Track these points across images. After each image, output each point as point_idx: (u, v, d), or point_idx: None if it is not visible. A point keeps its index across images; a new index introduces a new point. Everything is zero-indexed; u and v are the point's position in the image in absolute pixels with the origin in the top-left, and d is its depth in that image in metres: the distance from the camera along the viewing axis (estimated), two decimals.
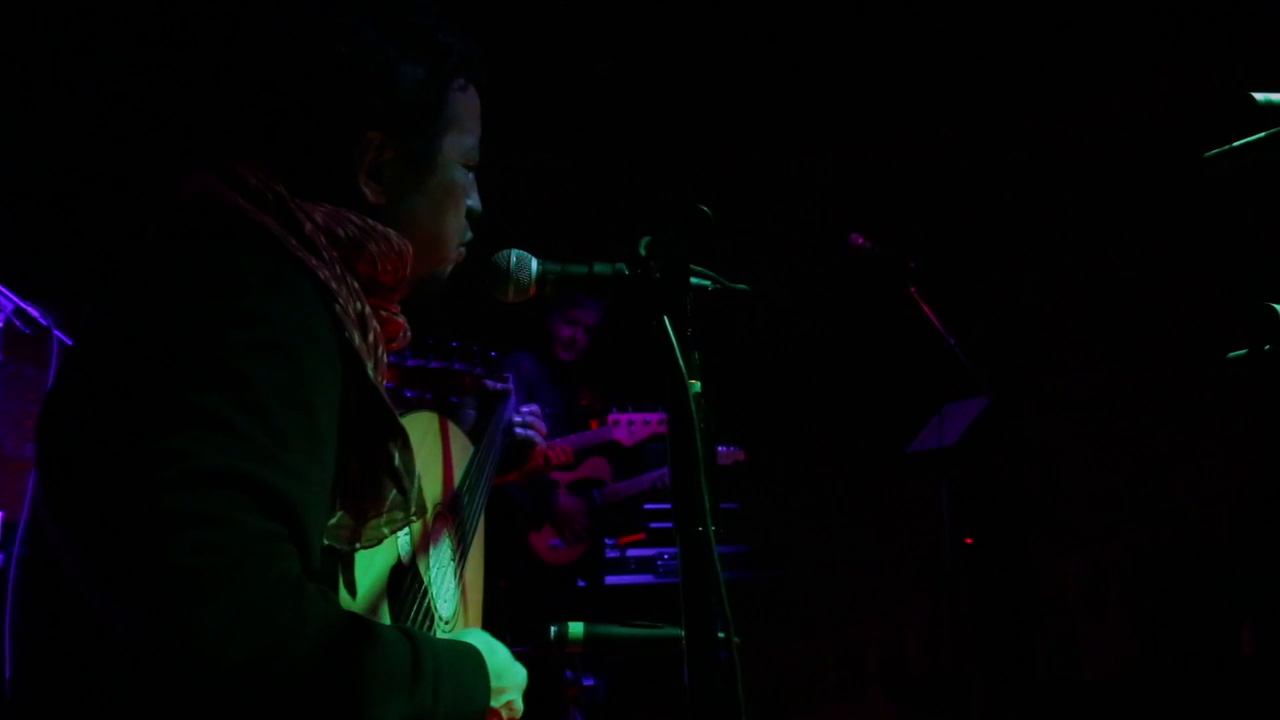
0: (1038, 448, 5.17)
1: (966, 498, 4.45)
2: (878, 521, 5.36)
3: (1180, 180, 3.90)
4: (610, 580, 4.49)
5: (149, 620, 0.98)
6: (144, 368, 1.09)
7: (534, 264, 1.34)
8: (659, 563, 4.52)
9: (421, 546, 1.50)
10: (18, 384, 2.98)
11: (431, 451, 1.61)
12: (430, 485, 1.57)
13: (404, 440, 1.23)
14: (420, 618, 1.45)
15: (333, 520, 1.18)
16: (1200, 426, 4.62)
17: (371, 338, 1.25)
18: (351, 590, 1.23)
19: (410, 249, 1.34)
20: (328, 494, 1.15)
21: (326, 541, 1.17)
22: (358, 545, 1.21)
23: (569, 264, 1.35)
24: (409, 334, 1.44)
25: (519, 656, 1.41)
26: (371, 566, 1.29)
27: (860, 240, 4.18)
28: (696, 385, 1.22)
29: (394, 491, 1.22)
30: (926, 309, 4.11)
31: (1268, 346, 1.22)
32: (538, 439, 2.12)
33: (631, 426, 4.31)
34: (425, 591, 1.47)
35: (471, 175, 1.47)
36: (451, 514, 1.64)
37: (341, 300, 1.21)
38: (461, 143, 1.41)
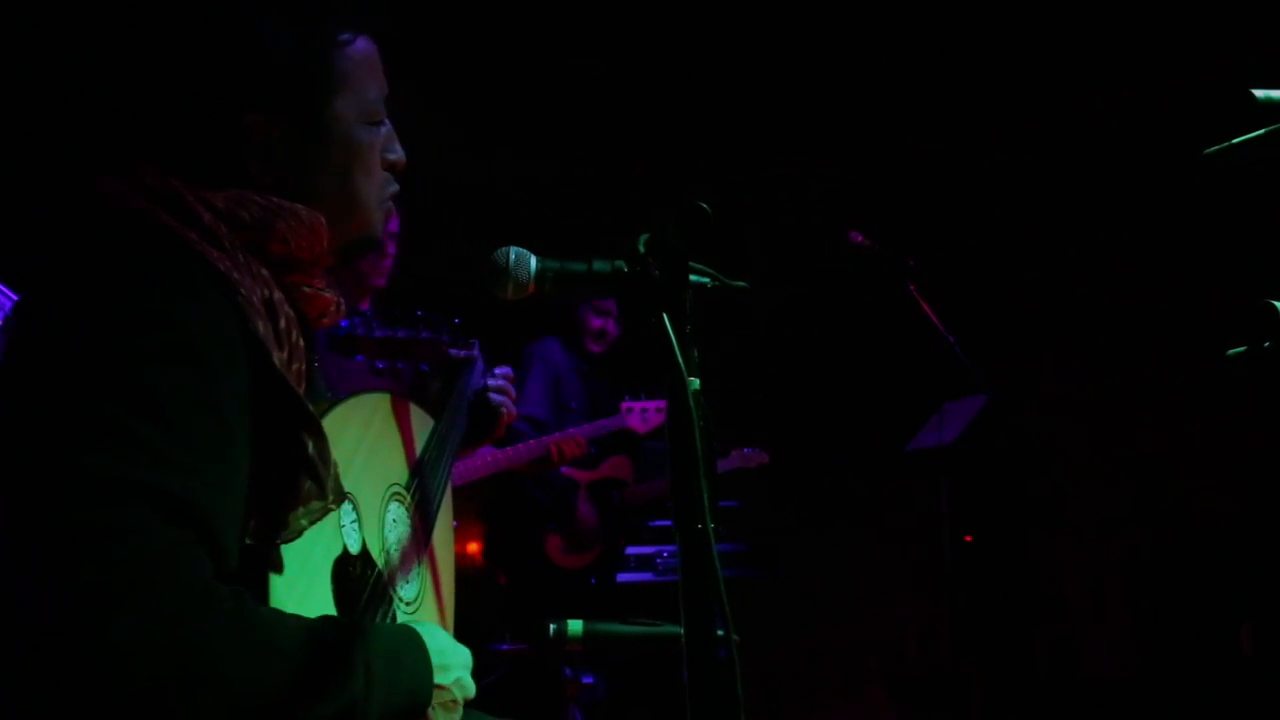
0: (1037, 446, 5.17)
1: (966, 496, 4.45)
2: (877, 520, 5.35)
3: (1180, 178, 3.90)
4: (616, 578, 4.49)
5: (57, 636, 0.98)
6: (46, 381, 1.09)
7: (533, 261, 1.34)
8: (658, 560, 4.52)
9: (376, 530, 1.48)
10: None
11: (382, 431, 1.58)
12: (382, 466, 1.55)
13: (315, 429, 1.21)
14: (375, 604, 1.43)
15: (251, 517, 1.17)
16: (1200, 425, 4.62)
17: (283, 324, 1.24)
18: (284, 585, 1.22)
19: (322, 220, 1.32)
20: (241, 492, 1.14)
21: (249, 541, 1.16)
22: (278, 540, 1.20)
23: (568, 261, 1.35)
24: (343, 307, 1.42)
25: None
26: (309, 559, 1.28)
27: (860, 238, 4.18)
28: (696, 382, 1.22)
29: (309, 482, 1.20)
30: (926, 307, 4.11)
31: (1268, 344, 1.22)
32: (508, 404, 2.09)
33: (645, 414, 4.18)
34: (380, 575, 1.45)
35: (383, 128, 1.42)
36: (411, 493, 1.62)
37: (244, 291, 1.19)
38: (358, 101, 1.36)
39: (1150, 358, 4.79)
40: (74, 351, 1.10)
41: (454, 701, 1.32)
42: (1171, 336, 4.62)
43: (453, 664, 1.33)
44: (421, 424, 1.74)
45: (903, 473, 4.70)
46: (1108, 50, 4.71)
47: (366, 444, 1.51)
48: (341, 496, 1.25)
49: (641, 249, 1.29)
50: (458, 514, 1.92)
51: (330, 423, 1.35)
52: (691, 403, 1.21)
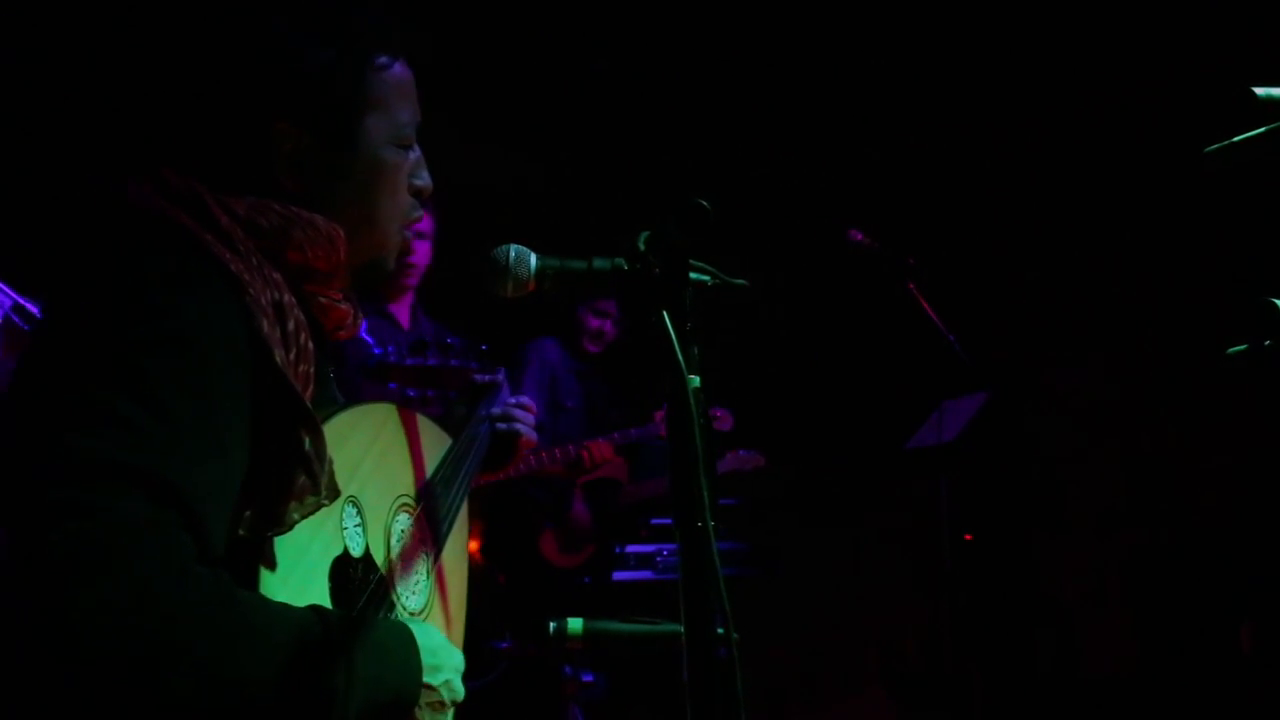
0: (1037, 444, 5.17)
1: (966, 494, 4.45)
2: (877, 518, 5.35)
3: (1181, 176, 3.89)
4: (612, 576, 4.48)
5: (29, 606, 1.01)
6: (53, 369, 1.15)
7: (533, 259, 1.34)
8: (658, 559, 4.52)
9: (381, 537, 1.48)
10: None
11: (392, 442, 1.59)
12: (391, 475, 1.56)
13: (313, 426, 1.23)
14: (374, 606, 1.44)
15: (246, 508, 1.20)
16: (1200, 423, 4.62)
17: (292, 326, 1.27)
18: (278, 579, 1.23)
19: (340, 233, 1.36)
20: (233, 482, 1.17)
21: (242, 532, 1.19)
22: (270, 532, 1.21)
23: (568, 259, 1.35)
24: (360, 319, 1.46)
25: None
26: (305, 555, 1.29)
27: (860, 236, 4.17)
28: (696, 380, 1.22)
29: (304, 476, 1.22)
30: (925, 305, 4.11)
31: (1268, 342, 1.22)
32: (524, 431, 2.08)
33: None
34: (382, 580, 1.45)
35: (412, 154, 1.46)
36: (421, 506, 1.62)
37: (253, 291, 1.22)
38: (389, 122, 1.40)
39: (1151, 357, 4.79)
40: (79, 339, 1.15)
41: (442, 703, 1.32)
42: (1172, 336, 4.62)
43: (444, 665, 1.33)
44: (436, 440, 1.76)
45: (902, 471, 4.70)
46: (1108, 48, 4.71)
47: (375, 451, 1.52)
48: (335, 493, 1.26)
49: (642, 246, 1.29)
50: None
51: (338, 425, 1.37)
52: (692, 401, 1.21)
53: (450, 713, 1.34)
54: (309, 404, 1.25)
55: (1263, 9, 4.03)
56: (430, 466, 1.69)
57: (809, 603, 5.24)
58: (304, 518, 1.23)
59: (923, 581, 4.81)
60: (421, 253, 3.72)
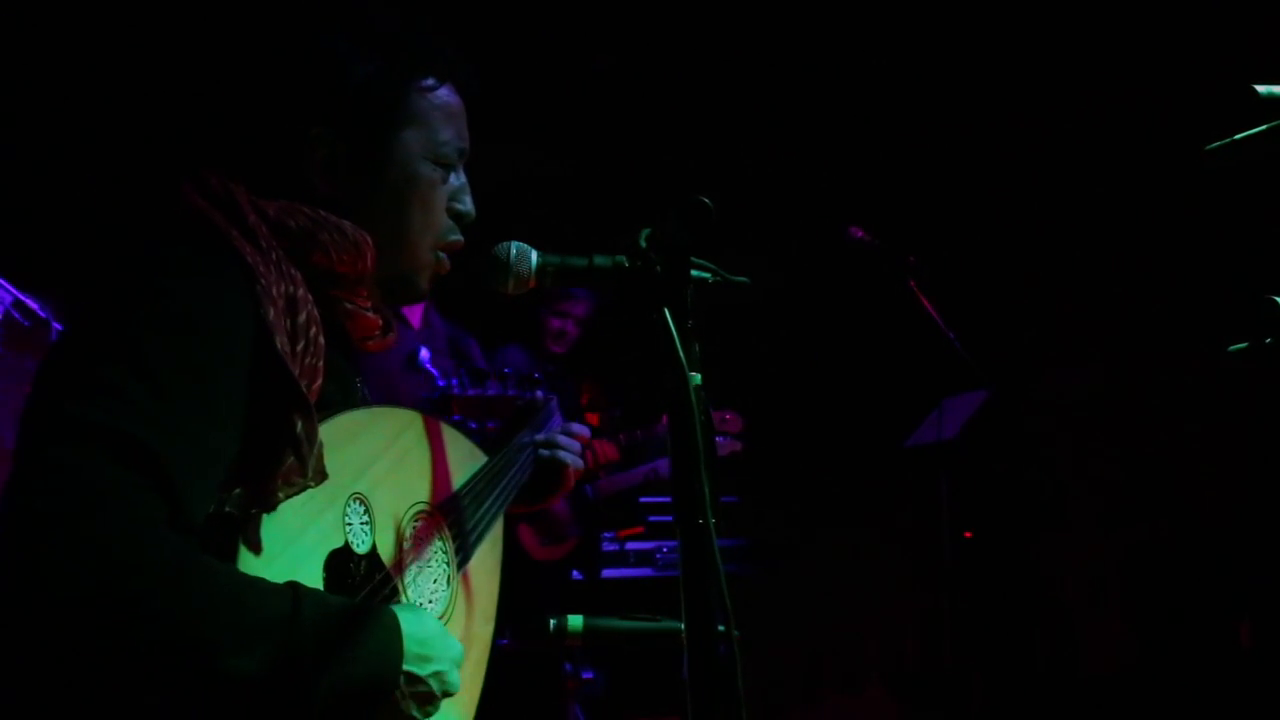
0: (1037, 442, 5.17)
1: (966, 492, 4.45)
2: (877, 515, 5.35)
3: (1183, 174, 3.89)
4: (609, 573, 4.48)
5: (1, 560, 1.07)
6: (69, 344, 1.24)
7: (534, 256, 1.34)
8: (658, 556, 4.52)
9: (391, 538, 1.47)
10: (17, 376, 2.97)
11: (410, 448, 1.58)
12: (408, 480, 1.54)
13: (306, 410, 1.26)
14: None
15: (236, 486, 1.24)
16: (1200, 421, 4.61)
17: (303, 318, 1.30)
18: (262, 561, 1.24)
19: (369, 240, 1.39)
20: (221, 456, 1.22)
21: (228, 509, 1.22)
22: (255, 509, 1.24)
23: (569, 256, 1.35)
24: (393, 331, 1.48)
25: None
26: (296, 542, 1.29)
27: (860, 234, 4.17)
28: (697, 377, 1.22)
29: (291, 457, 1.25)
30: (926, 303, 4.11)
31: (1269, 340, 1.22)
32: (569, 460, 1.90)
33: None
34: (387, 579, 1.43)
35: (454, 177, 1.49)
36: (444, 516, 1.60)
37: (265, 281, 1.27)
38: (428, 139, 1.44)
39: (1151, 355, 4.79)
40: (93, 317, 1.23)
41: (430, 695, 1.30)
42: (1173, 334, 4.61)
43: (436, 656, 1.30)
44: (466, 454, 1.72)
45: (902, 469, 4.70)
46: (1109, 47, 4.71)
47: (392, 454, 1.51)
48: (323, 476, 1.28)
49: (643, 244, 1.29)
50: None
51: (348, 421, 1.39)
52: (693, 398, 1.21)
53: (439, 705, 1.32)
54: (308, 393, 1.27)
55: (1263, 9, 4.02)
56: (458, 479, 1.67)
57: (809, 599, 5.25)
58: (288, 498, 1.25)
59: (922, 580, 4.81)
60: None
